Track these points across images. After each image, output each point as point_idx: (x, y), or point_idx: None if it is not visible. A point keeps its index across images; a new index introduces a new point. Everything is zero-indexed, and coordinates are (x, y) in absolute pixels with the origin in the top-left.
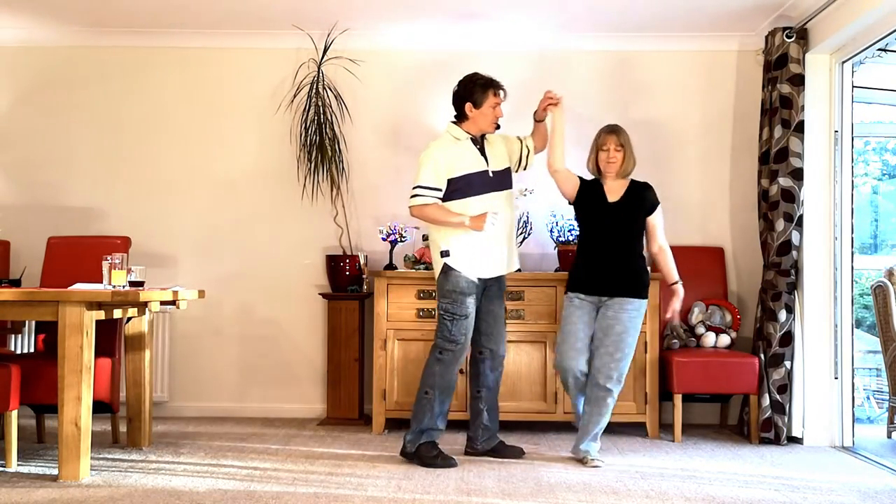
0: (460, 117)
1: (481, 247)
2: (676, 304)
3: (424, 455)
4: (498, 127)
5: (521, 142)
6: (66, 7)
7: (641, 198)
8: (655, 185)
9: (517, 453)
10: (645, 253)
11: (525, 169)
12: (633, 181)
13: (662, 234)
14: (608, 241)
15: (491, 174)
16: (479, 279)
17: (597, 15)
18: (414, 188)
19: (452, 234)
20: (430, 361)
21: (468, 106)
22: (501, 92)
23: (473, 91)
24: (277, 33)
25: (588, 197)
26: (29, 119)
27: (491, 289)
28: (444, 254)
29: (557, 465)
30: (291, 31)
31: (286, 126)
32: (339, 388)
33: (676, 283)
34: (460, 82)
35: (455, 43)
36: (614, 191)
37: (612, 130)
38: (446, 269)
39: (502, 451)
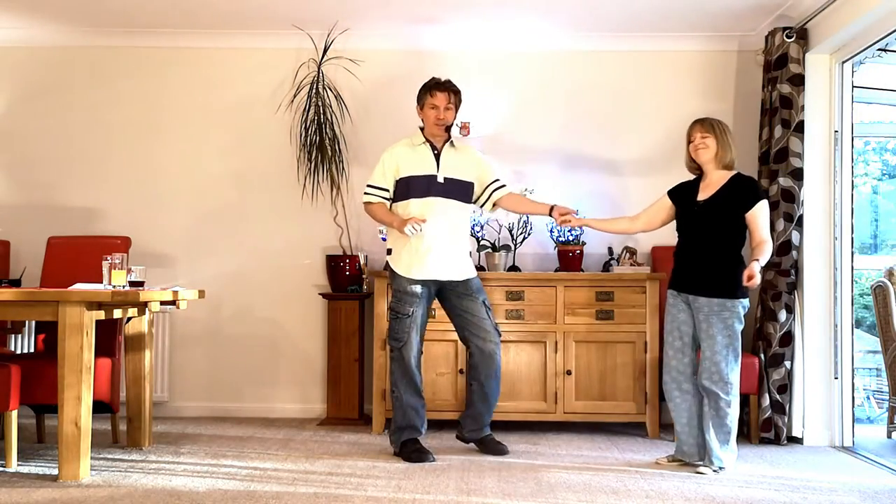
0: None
1: (417, 250)
2: (756, 271)
3: (404, 451)
4: (447, 129)
5: (489, 187)
6: (66, 7)
7: (736, 194)
8: (655, 185)
9: (501, 450)
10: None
11: (480, 208)
12: (736, 175)
13: (759, 230)
14: (694, 239)
15: (441, 180)
16: (421, 281)
17: (596, 15)
18: (367, 187)
19: (396, 235)
20: (389, 361)
21: (417, 109)
22: (441, 94)
23: (419, 93)
24: (277, 33)
25: (682, 198)
26: (28, 119)
27: (454, 290)
28: (388, 252)
29: (557, 465)
30: (291, 31)
31: (286, 126)
32: (339, 388)
33: (752, 265)
34: None
35: (456, 43)
36: (710, 187)
37: (698, 121)
38: (389, 267)
39: (486, 446)
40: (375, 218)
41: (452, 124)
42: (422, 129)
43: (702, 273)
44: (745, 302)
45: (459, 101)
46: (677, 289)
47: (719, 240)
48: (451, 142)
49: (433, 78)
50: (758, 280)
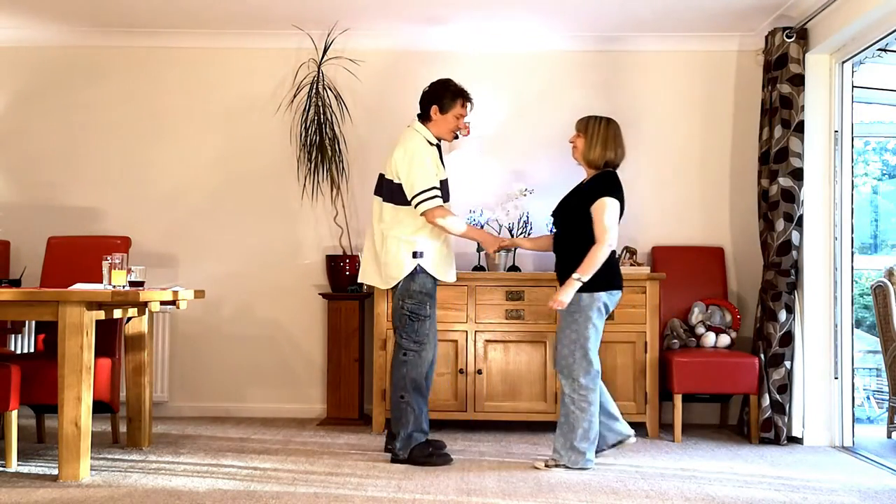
0: (424, 118)
1: (446, 252)
2: (562, 296)
3: (419, 456)
4: (456, 137)
5: None
6: (66, 7)
7: (588, 190)
8: (655, 185)
9: (441, 446)
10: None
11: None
12: (599, 173)
13: (597, 228)
14: (558, 235)
15: (447, 183)
16: (438, 283)
17: (596, 15)
18: (428, 190)
19: (425, 237)
20: (396, 364)
21: (434, 108)
22: (469, 105)
23: (444, 95)
24: (277, 33)
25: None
26: (29, 119)
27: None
28: (418, 255)
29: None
30: (291, 31)
31: (286, 126)
32: (339, 388)
33: (572, 277)
34: (433, 84)
35: (456, 43)
36: (580, 185)
37: (578, 120)
38: (418, 270)
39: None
40: (452, 227)
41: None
42: (421, 123)
43: (561, 267)
44: (595, 295)
45: None
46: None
47: (570, 234)
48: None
49: (457, 85)
50: (563, 303)
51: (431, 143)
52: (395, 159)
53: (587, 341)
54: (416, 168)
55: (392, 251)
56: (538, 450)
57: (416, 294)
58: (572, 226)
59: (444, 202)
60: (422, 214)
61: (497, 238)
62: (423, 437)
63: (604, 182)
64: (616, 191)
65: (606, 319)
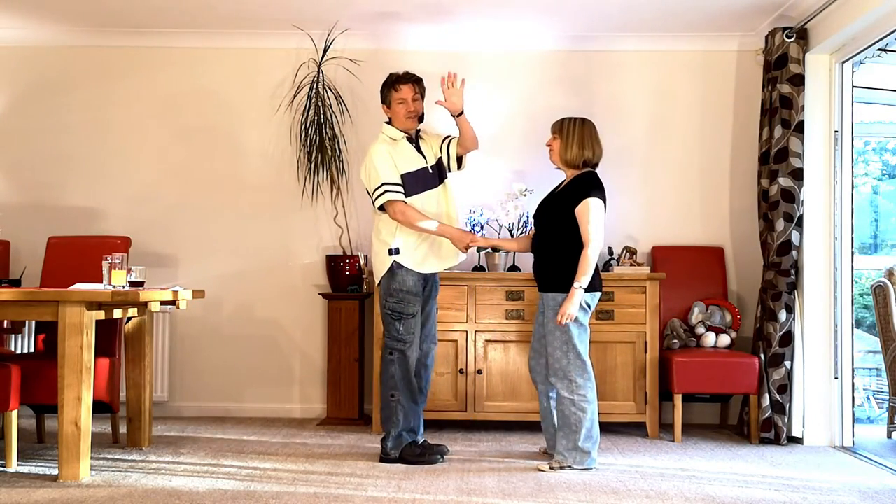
0: (389, 119)
1: (429, 243)
2: (570, 308)
3: (409, 456)
4: (420, 120)
5: (444, 147)
6: (66, 7)
7: (571, 190)
8: (655, 185)
9: (442, 451)
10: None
11: (459, 168)
12: (581, 174)
13: (583, 231)
14: (540, 236)
15: (430, 170)
16: (424, 276)
17: (596, 15)
18: (380, 186)
19: (401, 232)
20: (384, 364)
21: (383, 107)
22: (405, 86)
23: (382, 91)
24: (277, 33)
25: (544, 197)
26: (28, 119)
27: (429, 287)
28: (393, 251)
29: None
30: (291, 31)
31: (286, 126)
32: (339, 388)
33: (574, 287)
34: None
35: (456, 43)
36: (561, 186)
37: (554, 122)
38: (395, 267)
39: (431, 449)
40: (411, 221)
41: (423, 114)
42: (387, 123)
43: (542, 269)
44: (587, 297)
45: (424, 89)
46: (537, 287)
47: (555, 236)
48: (419, 129)
49: (393, 74)
50: (572, 315)
51: (396, 139)
52: (361, 171)
53: (578, 340)
54: (368, 171)
55: (375, 250)
56: (538, 450)
57: (397, 292)
58: (553, 227)
59: (415, 194)
60: (382, 210)
61: (466, 234)
62: (412, 437)
63: (585, 182)
64: (599, 190)
65: (605, 320)
